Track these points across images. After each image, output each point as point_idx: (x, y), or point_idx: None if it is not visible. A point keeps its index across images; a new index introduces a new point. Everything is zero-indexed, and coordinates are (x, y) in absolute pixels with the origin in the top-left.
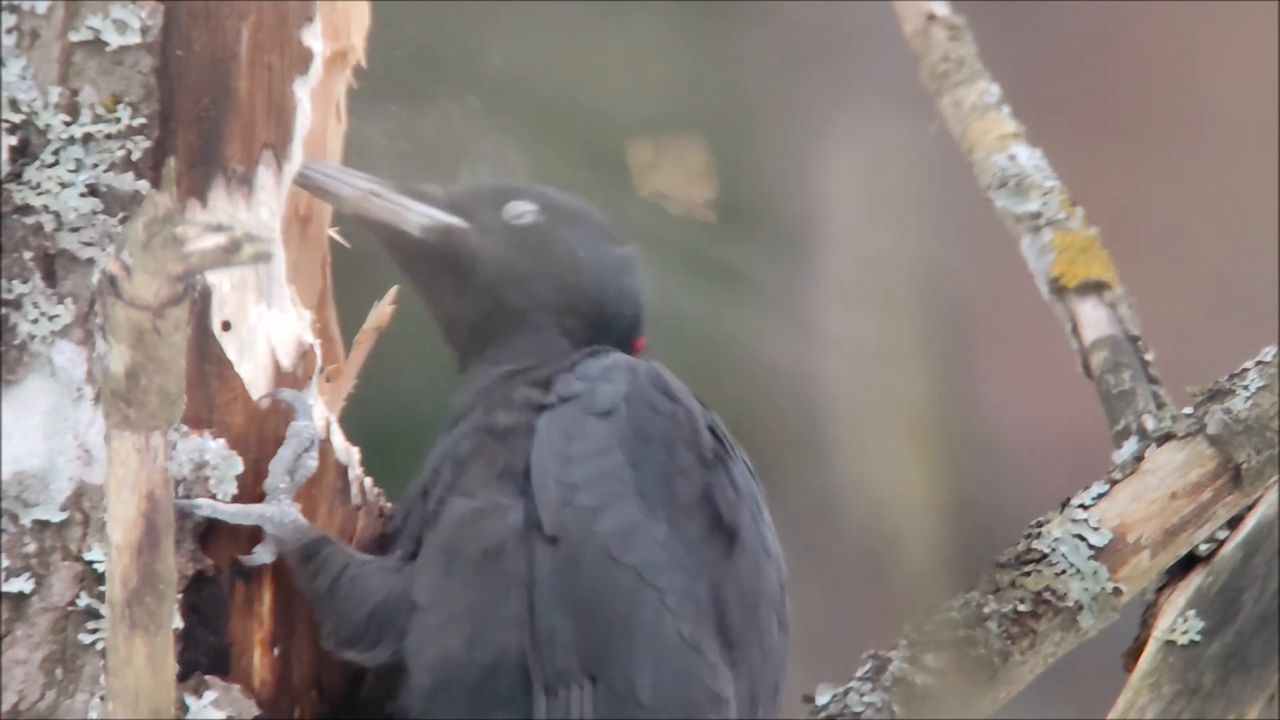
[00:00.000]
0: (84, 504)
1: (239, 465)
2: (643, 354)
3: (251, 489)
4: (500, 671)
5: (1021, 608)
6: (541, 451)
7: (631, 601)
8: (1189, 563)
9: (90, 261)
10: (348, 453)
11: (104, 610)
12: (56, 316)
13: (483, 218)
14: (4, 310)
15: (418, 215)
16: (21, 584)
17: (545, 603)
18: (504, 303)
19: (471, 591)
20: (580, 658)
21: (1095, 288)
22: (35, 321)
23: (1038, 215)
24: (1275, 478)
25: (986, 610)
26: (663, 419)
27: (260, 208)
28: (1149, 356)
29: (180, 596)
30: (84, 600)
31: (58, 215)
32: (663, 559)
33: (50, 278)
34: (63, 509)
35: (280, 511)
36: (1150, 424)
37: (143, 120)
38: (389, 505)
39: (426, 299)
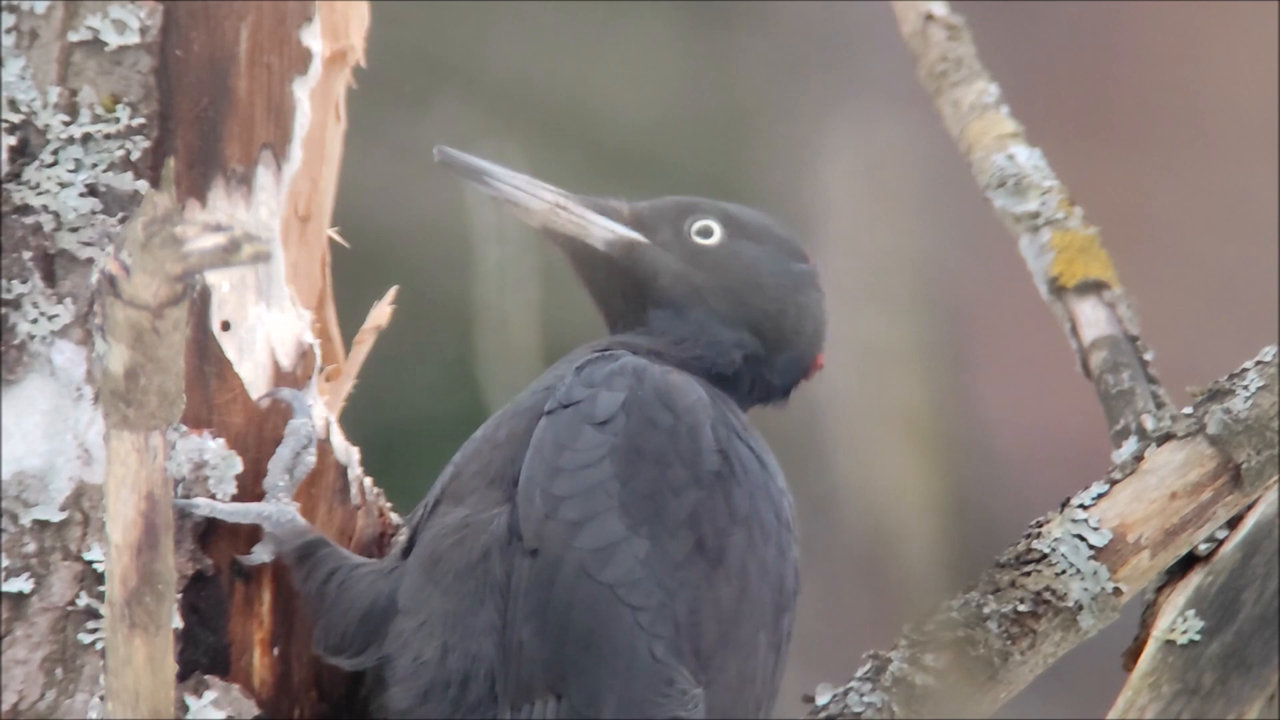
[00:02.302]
0: (83, 504)
1: (238, 465)
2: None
3: (251, 489)
4: (472, 680)
5: (1021, 608)
6: (533, 460)
7: (604, 619)
8: (1188, 562)
9: (90, 261)
10: (347, 452)
11: (104, 610)
12: (56, 316)
13: (664, 233)
14: (4, 310)
15: (601, 229)
16: (21, 584)
17: (518, 615)
18: (683, 317)
19: (450, 599)
20: (547, 673)
21: (1094, 287)
22: (35, 321)
23: (1036, 215)
24: (1275, 477)
25: (986, 610)
26: (660, 433)
27: (259, 208)
28: (1148, 356)
29: (180, 596)
30: (84, 600)
31: (57, 215)
32: (641, 576)
33: (50, 278)
34: (62, 509)
35: (279, 510)
36: (1150, 424)
37: (142, 120)
38: (389, 505)
39: (603, 309)
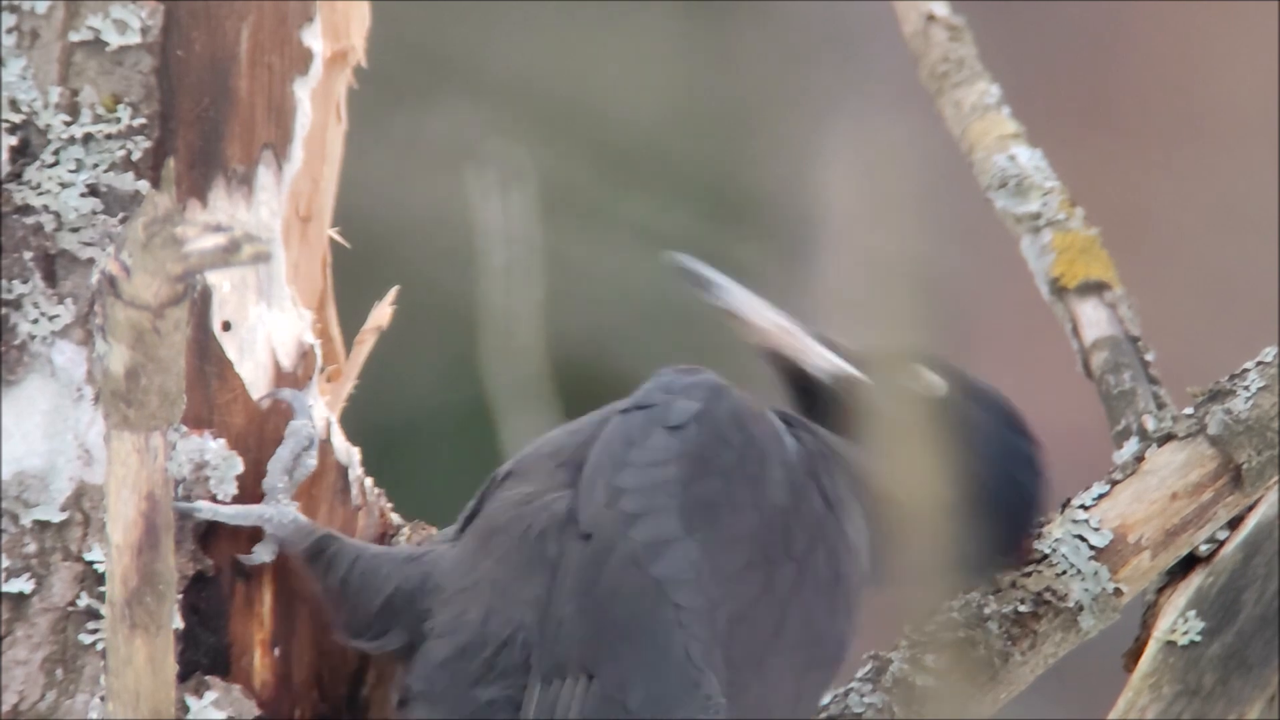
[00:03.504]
0: (84, 504)
1: (239, 465)
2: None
3: (252, 489)
4: (508, 646)
5: (1022, 608)
6: (600, 451)
7: (647, 610)
8: (1189, 563)
9: (90, 262)
10: (348, 453)
11: (104, 610)
12: (57, 317)
13: (885, 380)
14: (4, 310)
15: (824, 361)
16: (22, 584)
17: (562, 593)
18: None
19: (500, 568)
20: (582, 652)
21: (1095, 288)
22: (35, 322)
23: (1038, 216)
24: (1276, 478)
25: (987, 611)
26: (730, 450)
27: (260, 208)
28: (1149, 357)
29: (180, 597)
30: (84, 600)
31: (58, 215)
32: (689, 578)
33: (50, 278)
34: (63, 509)
35: (279, 512)
36: (1151, 424)
37: (143, 120)
38: (389, 505)
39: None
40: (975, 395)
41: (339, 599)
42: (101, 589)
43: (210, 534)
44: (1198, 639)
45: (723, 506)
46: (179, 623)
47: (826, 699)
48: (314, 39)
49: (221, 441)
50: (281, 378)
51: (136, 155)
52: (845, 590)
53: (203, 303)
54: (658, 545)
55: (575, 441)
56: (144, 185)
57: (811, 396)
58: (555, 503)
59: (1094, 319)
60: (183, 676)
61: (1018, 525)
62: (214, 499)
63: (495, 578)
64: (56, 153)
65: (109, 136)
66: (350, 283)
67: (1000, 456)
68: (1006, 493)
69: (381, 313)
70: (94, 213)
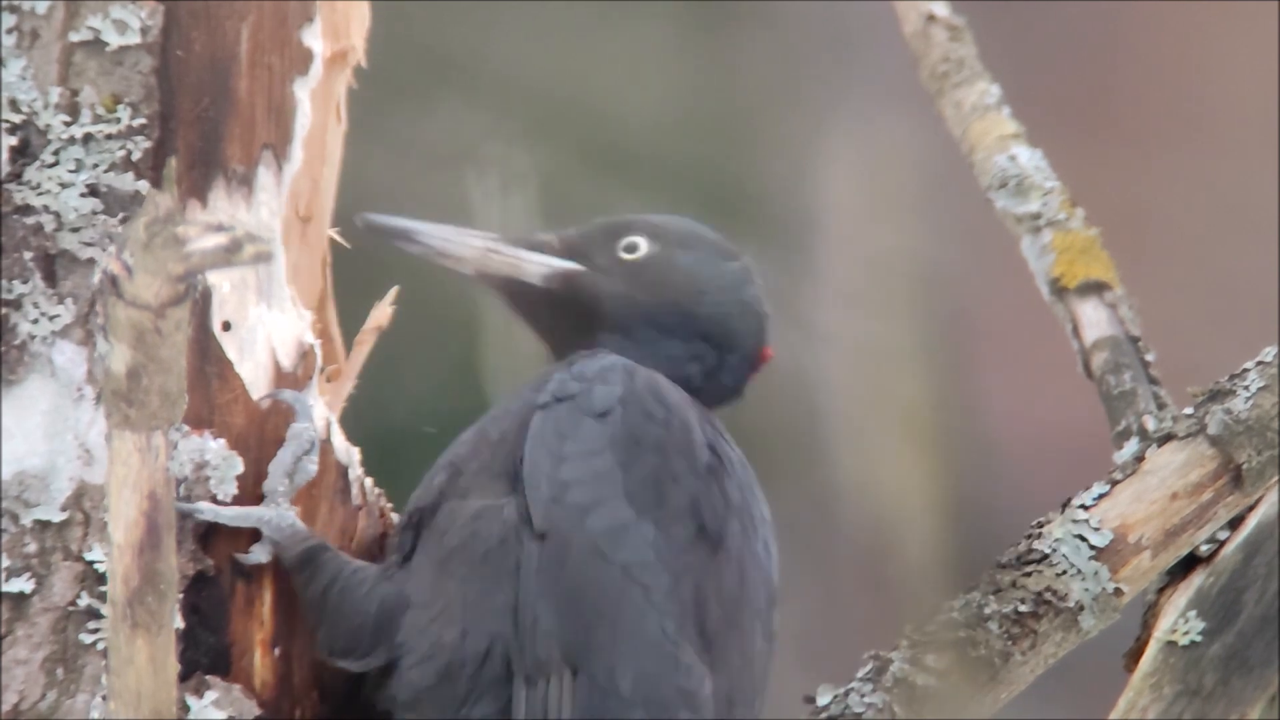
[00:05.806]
0: (84, 504)
1: (239, 465)
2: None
3: (252, 489)
4: (489, 658)
5: (1022, 608)
6: (535, 449)
7: (617, 596)
8: (1190, 563)
9: (91, 262)
10: (348, 453)
11: (105, 610)
12: (57, 317)
13: (599, 258)
14: (4, 310)
15: (537, 265)
16: (22, 584)
17: (530, 595)
18: (632, 338)
19: (465, 588)
20: (563, 648)
21: (1096, 288)
22: (36, 322)
23: (1038, 216)
24: (1276, 478)
25: (987, 611)
26: (656, 425)
27: (260, 208)
28: (1150, 357)
29: (181, 597)
30: (85, 600)
31: (58, 215)
32: (650, 558)
33: (51, 278)
34: (63, 509)
35: (278, 515)
36: (1151, 424)
37: (143, 120)
38: (389, 506)
39: (551, 344)
40: (679, 240)
41: (318, 612)
42: (102, 589)
43: (211, 534)
44: (1198, 639)
45: (664, 482)
46: (180, 622)
47: (827, 698)
48: (314, 39)
49: (222, 441)
50: (281, 378)
51: (136, 155)
52: (767, 522)
53: (203, 303)
54: (615, 532)
55: (504, 451)
56: (144, 185)
57: (536, 304)
58: (504, 511)
59: (1094, 319)
60: (183, 676)
61: (759, 340)
62: (214, 499)
63: (464, 597)
64: (56, 153)
65: (109, 137)
66: (350, 283)
67: (727, 287)
68: (744, 316)
69: (381, 313)
70: (94, 213)
